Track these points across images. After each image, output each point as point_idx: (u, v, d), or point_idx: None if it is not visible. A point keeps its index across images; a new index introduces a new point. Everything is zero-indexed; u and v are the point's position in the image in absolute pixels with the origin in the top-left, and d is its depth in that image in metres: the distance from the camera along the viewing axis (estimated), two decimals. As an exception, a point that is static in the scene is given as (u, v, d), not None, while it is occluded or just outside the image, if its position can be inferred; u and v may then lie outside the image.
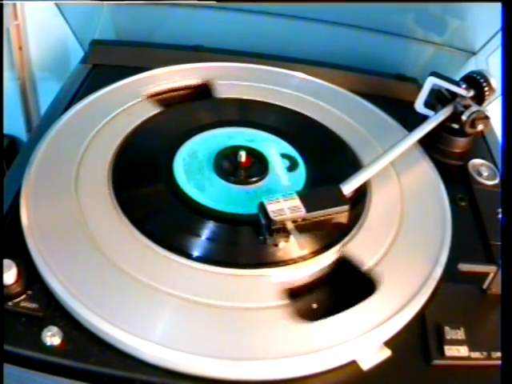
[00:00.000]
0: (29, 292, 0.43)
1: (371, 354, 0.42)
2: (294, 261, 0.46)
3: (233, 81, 0.67)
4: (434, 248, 0.49)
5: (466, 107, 0.59)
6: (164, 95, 0.65)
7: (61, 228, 0.47)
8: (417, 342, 0.43)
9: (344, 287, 0.46)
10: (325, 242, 0.48)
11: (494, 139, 0.66)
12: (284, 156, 0.57)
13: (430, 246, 0.50)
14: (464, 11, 0.70)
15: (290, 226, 0.45)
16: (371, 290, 0.45)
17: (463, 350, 0.43)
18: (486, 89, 0.60)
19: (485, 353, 0.43)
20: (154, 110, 0.61)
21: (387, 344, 0.43)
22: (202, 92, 0.66)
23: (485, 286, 0.47)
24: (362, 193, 0.53)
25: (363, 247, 0.49)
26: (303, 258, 0.47)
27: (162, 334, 0.41)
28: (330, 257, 0.47)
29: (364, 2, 0.69)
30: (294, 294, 0.45)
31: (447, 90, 0.61)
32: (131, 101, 0.61)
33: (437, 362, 0.42)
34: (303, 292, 0.46)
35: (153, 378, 0.40)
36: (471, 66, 0.73)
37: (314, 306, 0.45)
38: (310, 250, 0.47)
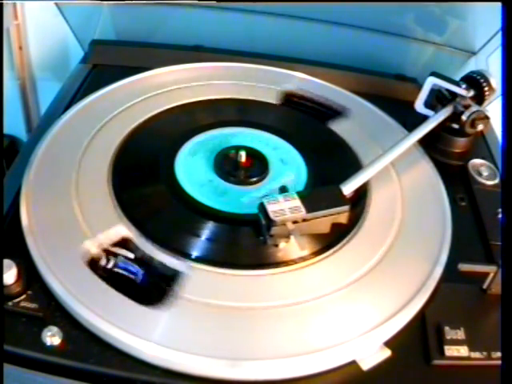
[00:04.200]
0: (29, 292, 0.43)
1: (371, 354, 0.42)
2: (294, 261, 0.46)
3: (233, 81, 0.67)
4: (433, 248, 0.49)
5: (466, 107, 0.59)
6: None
7: (61, 228, 0.47)
8: (417, 341, 0.43)
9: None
10: (325, 242, 0.48)
11: (494, 139, 0.66)
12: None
13: (429, 246, 0.50)
14: (464, 11, 0.70)
15: (290, 226, 0.45)
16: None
17: (463, 350, 0.43)
18: (486, 89, 0.60)
19: (485, 353, 0.43)
20: (153, 109, 0.61)
21: (387, 344, 0.43)
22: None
23: (485, 286, 0.47)
24: (362, 193, 0.53)
25: (363, 247, 0.49)
26: (303, 259, 0.47)
27: (162, 333, 0.41)
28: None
29: (364, 2, 0.69)
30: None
31: (447, 90, 0.61)
32: (131, 101, 0.61)
33: (437, 362, 0.42)
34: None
35: (153, 378, 0.40)
36: (471, 66, 0.73)
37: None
38: (310, 251, 0.47)
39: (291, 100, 0.67)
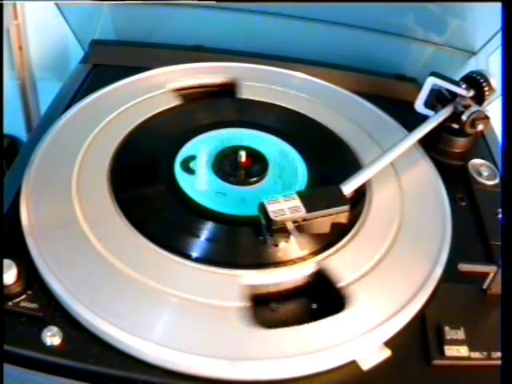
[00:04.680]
0: (29, 292, 0.43)
1: (371, 354, 0.42)
2: (294, 261, 0.46)
3: (233, 81, 0.67)
4: (434, 248, 0.49)
5: (466, 107, 0.59)
6: (187, 91, 0.66)
7: (61, 228, 0.47)
8: (417, 342, 0.43)
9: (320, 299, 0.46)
10: (325, 242, 0.48)
11: (494, 139, 0.66)
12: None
13: (430, 246, 0.50)
14: (464, 11, 0.70)
15: (290, 226, 0.45)
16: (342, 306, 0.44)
17: (463, 350, 0.43)
18: (486, 89, 0.60)
19: (485, 353, 0.43)
20: (153, 109, 0.61)
21: (387, 344, 0.43)
22: (225, 91, 0.66)
23: (485, 286, 0.47)
24: (362, 193, 0.53)
25: (363, 247, 0.49)
26: (303, 259, 0.47)
27: (162, 333, 0.41)
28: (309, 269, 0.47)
29: (364, 2, 0.69)
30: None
31: (447, 89, 0.61)
32: (131, 101, 0.61)
33: (437, 362, 0.42)
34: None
35: (153, 378, 0.40)
36: (471, 66, 0.73)
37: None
38: (309, 251, 0.47)
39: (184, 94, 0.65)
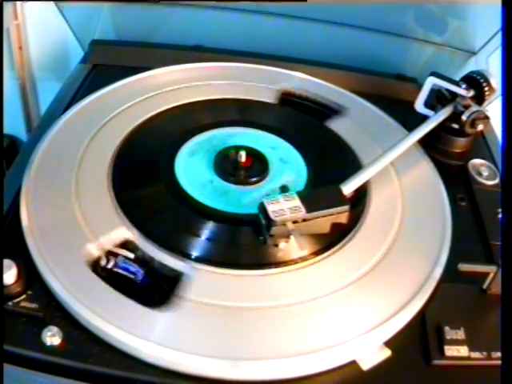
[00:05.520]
0: (29, 292, 0.43)
1: (371, 354, 0.42)
2: (294, 261, 0.46)
3: (233, 81, 0.67)
4: (434, 248, 0.49)
5: (466, 107, 0.59)
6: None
7: (61, 228, 0.47)
8: (417, 342, 0.43)
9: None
10: (325, 242, 0.48)
11: (494, 139, 0.66)
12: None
13: (429, 246, 0.50)
14: (464, 11, 0.70)
15: (290, 226, 0.45)
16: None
17: (463, 350, 0.43)
18: (486, 89, 0.60)
19: (485, 353, 0.43)
20: (153, 109, 0.61)
21: (387, 344, 0.43)
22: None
23: (485, 286, 0.47)
24: (362, 193, 0.53)
25: (363, 247, 0.49)
26: (303, 259, 0.47)
27: (162, 333, 0.41)
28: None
29: (364, 2, 0.69)
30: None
31: (447, 89, 0.61)
32: (131, 101, 0.62)
33: (437, 361, 0.42)
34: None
35: (153, 377, 0.40)
36: (471, 66, 0.73)
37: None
38: (310, 251, 0.47)
39: (288, 99, 0.67)
